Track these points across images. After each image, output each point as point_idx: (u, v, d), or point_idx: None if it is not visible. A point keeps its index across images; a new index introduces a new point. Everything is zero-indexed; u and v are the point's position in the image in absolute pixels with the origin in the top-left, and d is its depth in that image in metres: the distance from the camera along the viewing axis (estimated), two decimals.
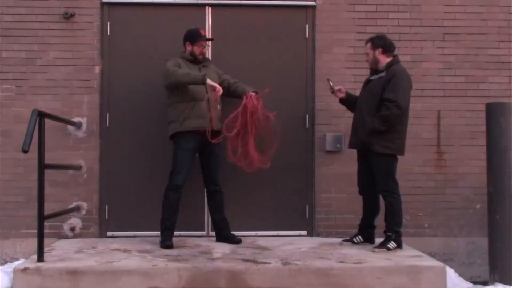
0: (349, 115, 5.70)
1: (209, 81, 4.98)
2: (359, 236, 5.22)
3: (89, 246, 5.12)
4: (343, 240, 5.25)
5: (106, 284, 4.19)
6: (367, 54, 5.08)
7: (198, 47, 5.21)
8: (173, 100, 5.15)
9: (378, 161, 4.90)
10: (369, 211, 5.17)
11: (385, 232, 4.98)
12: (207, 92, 5.05)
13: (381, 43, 5.00)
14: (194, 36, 5.22)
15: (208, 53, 5.63)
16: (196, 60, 5.22)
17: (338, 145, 5.70)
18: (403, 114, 4.88)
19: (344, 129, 5.68)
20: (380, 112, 4.82)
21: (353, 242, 5.19)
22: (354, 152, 5.69)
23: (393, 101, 4.77)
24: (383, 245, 4.89)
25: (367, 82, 5.09)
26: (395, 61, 4.98)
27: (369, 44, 5.06)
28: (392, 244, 4.89)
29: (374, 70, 5.07)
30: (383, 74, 4.94)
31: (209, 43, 5.48)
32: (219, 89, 5.01)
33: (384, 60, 4.98)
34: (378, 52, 4.99)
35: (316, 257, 4.62)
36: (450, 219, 5.77)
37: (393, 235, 4.92)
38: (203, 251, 4.89)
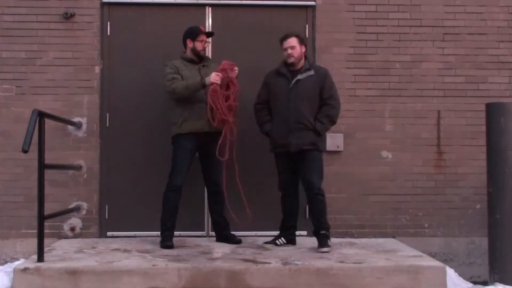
0: (350, 115, 5.73)
1: (207, 80, 4.98)
2: (282, 238, 5.16)
3: (89, 246, 5.12)
4: (265, 243, 5.15)
5: (106, 284, 4.19)
6: (292, 47, 4.98)
7: (200, 42, 5.20)
8: (172, 103, 5.16)
9: (316, 159, 4.99)
10: (295, 211, 5.16)
11: (318, 231, 4.94)
12: (206, 95, 5.03)
13: (305, 42, 5.11)
14: (194, 32, 5.21)
15: (208, 53, 5.64)
16: (196, 60, 5.21)
17: (338, 145, 5.70)
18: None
19: (344, 129, 5.69)
20: (327, 111, 4.96)
21: (276, 244, 5.12)
22: (354, 152, 5.73)
23: (336, 98, 5.01)
24: (326, 243, 4.87)
25: (295, 82, 4.97)
26: (311, 60, 5.13)
27: (295, 39, 5.00)
28: (329, 241, 4.93)
29: (285, 66, 5.03)
30: (311, 72, 4.98)
31: (210, 39, 5.48)
32: (217, 77, 4.96)
33: (303, 58, 5.05)
34: (303, 49, 5.05)
35: (316, 257, 4.62)
36: (450, 219, 5.77)
37: (328, 232, 4.96)
38: (203, 251, 4.89)
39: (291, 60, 5.02)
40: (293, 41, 5.01)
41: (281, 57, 5.70)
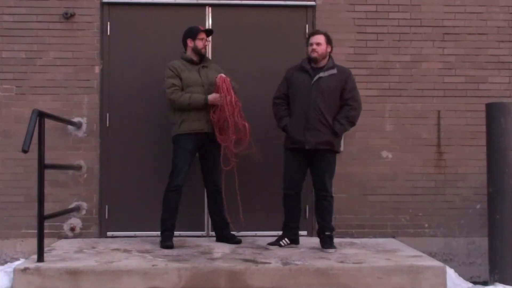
0: None
1: (209, 99, 5.02)
2: (286, 239, 5.13)
3: (89, 246, 5.12)
4: (268, 244, 5.10)
5: (106, 284, 4.19)
6: (318, 44, 4.97)
7: (200, 40, 5.19)
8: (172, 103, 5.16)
9: (332, 160, 5.00)
10: (297, 211, 5.15)
11: (323, 232, 4.99)
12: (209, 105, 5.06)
13: (332, 42, 5.09)
14: (193, 31, 5.21)
15: (208, 53, 5.63)
16: (196, 61, 5.21)
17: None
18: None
19: None
20: (347, 112, 4.93)
21: (280, 245, 5.08)
22: (354, 152, 5.73)
23: (357, 100, 4.97)
24: (331, 245, 4.92)
25: (317, 79, 4.95)
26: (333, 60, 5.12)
27: (323, 37, 5.01)
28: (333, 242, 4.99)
29: (308, 63, 5.04)
30: (334, 71, 4.96)
31: (210, 39, 5.48)
32: (219, 100, 5.01)
33: (327, 57, 5.05)
34: (329, 49, 5.05)
35: (316, 257, 4.62)
36: (450, 219, 5.77)
37: (332, 233, 5.00)
38: (203, 251, 4.89)
39: (314, 55, 4.99)
40: (320, 38, 5.01)
41: (280, 57, 5.75)
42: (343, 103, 4.98)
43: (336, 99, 4.97)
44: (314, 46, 4.98)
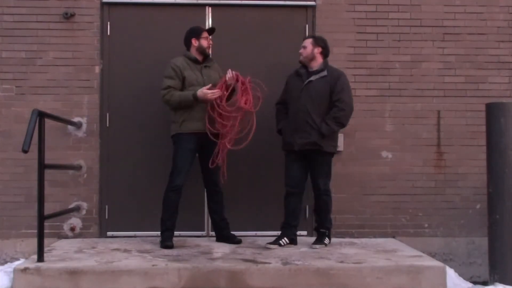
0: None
1: (199, 94, 4.96)
2: (285, 238, 5.13)
3: (89, 246, 5.12)
4: (268, 243, 5.07)
5: (106, 284, 4.19)
6: (304, 47, 5.13)
7: (205, 39, 5.22)
8: None
9: (323, 160, 5.04)
10: (298, 211, 5.18)
11: (318, 229, 5.11)
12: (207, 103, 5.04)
13: (323, 44, 5.16)
14: (197, 31, 5.24)
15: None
16: (199, 60, 5.21)
17: (338, 145, 5.69)
18: (352, 113, 5.09)
19: (344, 129, 5.68)
20: (334, 113, 4.96)
21: (280, 245, 5.07)
22: (354, 152, 5.74)
23: (344, 101, 4.97)
24: (320, 241, 5.05)
25: (308, 82, 5.04)
26: (327, 63, 5.16)
27: (310, 40, 5.16)
28: (327, 240, 5.08)
29: (304, 67, 5.14)
30: (324, 73, 5.04)
31: (211, 37, 5.48)
32: (212, 94, 4.97)
33: (319, 60, 5.12)
34: (317, 50, 5.11)
35: (316, 257, 4.62)
36: (450, 219, 5.77)
37: (327, 231, 5.10)
38: (203, 251, 4.89)
39: (299, 58, 5.16)
40: (306, 42, 5.17)
41: (280, 57, 5.76)
42: (332, 105, 5.01)
43: (326, 101, 5.02)
44: (301, 50, 5.15)
